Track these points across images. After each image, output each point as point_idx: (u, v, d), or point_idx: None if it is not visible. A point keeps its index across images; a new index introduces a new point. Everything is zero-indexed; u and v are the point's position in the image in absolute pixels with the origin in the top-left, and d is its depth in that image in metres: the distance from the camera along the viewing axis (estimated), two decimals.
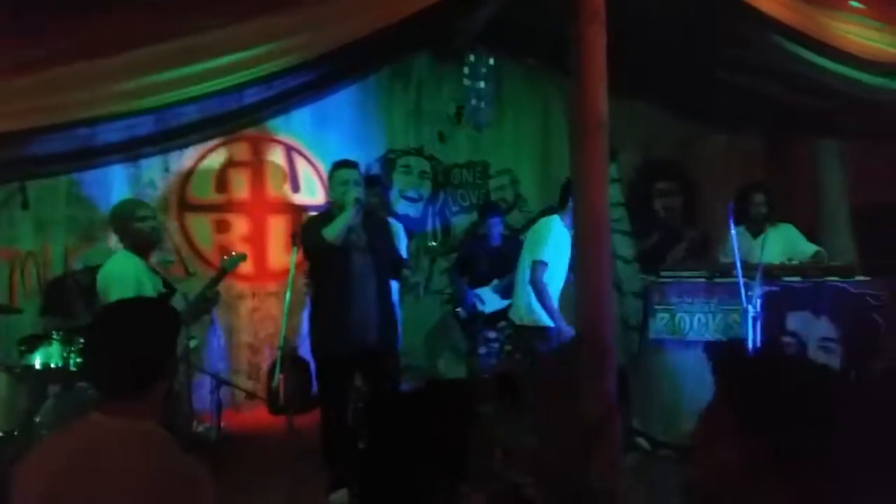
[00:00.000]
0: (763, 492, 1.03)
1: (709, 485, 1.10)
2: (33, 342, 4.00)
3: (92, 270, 4.64)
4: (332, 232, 3.71)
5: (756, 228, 4.76)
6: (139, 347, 1.67)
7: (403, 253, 4.88)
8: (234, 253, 4.08)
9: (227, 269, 3.80)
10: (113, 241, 5.49)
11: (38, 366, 3.91)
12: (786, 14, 3.46)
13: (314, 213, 5.01)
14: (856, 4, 3.53)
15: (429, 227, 6.46)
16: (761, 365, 1.17)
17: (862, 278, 4.40)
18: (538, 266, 4.20)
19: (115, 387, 1.65)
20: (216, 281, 3.76)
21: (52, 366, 3.91)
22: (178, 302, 3.57)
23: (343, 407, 3.91)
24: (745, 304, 3.79)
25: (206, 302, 3.73)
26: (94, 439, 1.59)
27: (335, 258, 3.76)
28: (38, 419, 3.74)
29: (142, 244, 3.52)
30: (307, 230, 3.91)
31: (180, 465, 1.60)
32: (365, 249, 3.86)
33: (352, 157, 4.12)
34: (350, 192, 3.77)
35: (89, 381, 3.36)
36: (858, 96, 4.27)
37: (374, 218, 4.15)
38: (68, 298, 5.02)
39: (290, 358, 4.43)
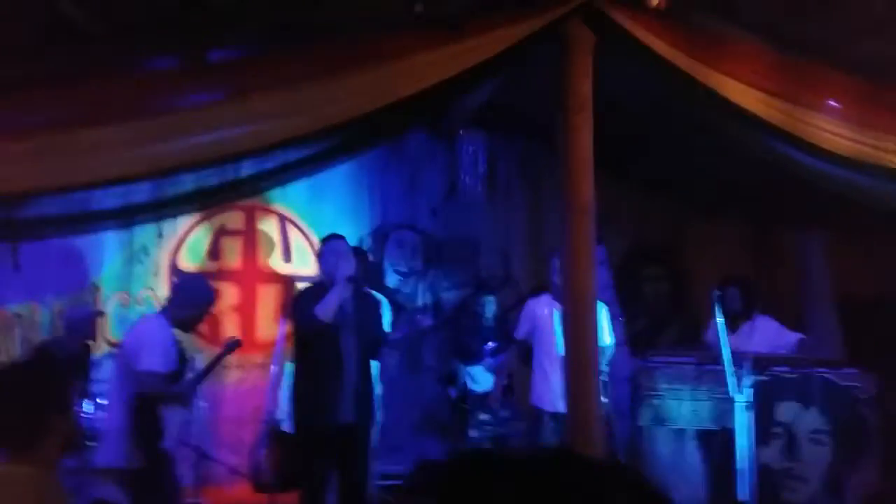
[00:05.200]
0: None
1: None
2: None
3: (77, 330, 4.60)
4: (324, 310, 3.71)
5: (733, 323, 4.76)
6: (24, 408, 1.78)
7: (387, 327, 4.85)
8: (231, 338, 4.16)
9: (224, 354, 3.89)
10: (109, 306, 5.55)
11: None
12: (764, 110, 3.58)
13: (304, 286, 5.01)
14: (833, 104, 3.66)
15: (419, 303, 6.45)
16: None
17: (849, 370, 4.39)
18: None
19: (3, 439, 1.76)
20: (219, 360, 3.83)
21: None
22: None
23: (320, 487, 3.81)
24: (733, 392, 3.77)
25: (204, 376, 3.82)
26: None
27: (323, 336, 3.75)
28: None
29: (185, 325, 3.64)
30: (299, 305, 3.93)
31: None
32: (350, 327, 3.85)
33: (345, 230, 4.20)
34: (341, 267, 3.79)
35: None
36: (834, 190, 4.38)
37: (361, 293, 4.16)
38: None
39: (275, 433, 4.34)
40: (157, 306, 4.78)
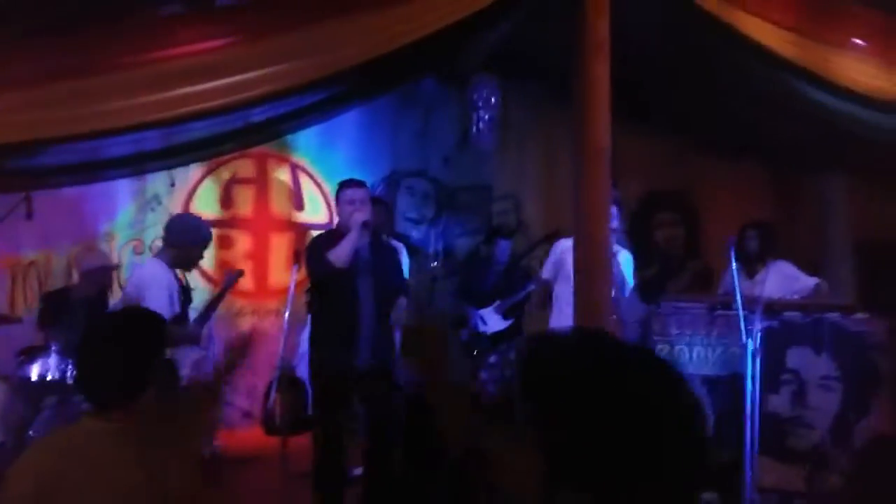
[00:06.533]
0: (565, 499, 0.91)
1: (509, 487, 1.01)
2: (32, 353, 4.00)
3: (93, 280, 4.67)
4: (338, 256, 3.69)
5: (750, 268, 4.74)
6: (125, 358, 1.70)
7: (406, 274, 4.87)
8: (233, 270, 4.17)
9: (227, 288, 3.89)
10: (117, 251, 5.62)
11: (34, 377, 3.91)
12: (786, 48, 3.49)
13: (319, 233, 5.01)
14: (858, 42, 3.56)
15: (431, 250, 6.46)
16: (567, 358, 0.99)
17: (861, 315, 4.37)
18: None
19: (103, 397, 1.68)
20: (220, 298, 3.85)
21: (49, 378, 3.91)
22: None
23: (336, 430, 3.88)
24: (744, 339, 3.77)
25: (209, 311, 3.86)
26: (83, 441, 1.63)
27: (338, 281, 3.74)
28: (31, 432, 3.73)
29: (184, 263, 3.67)
30: (312, 251, 3.89)
31: (170, 468, 1.64)
32: (368, 273, 3.83)
33: (357, 177, 4.13)
34: (357, 213, 3.75)
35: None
36: (858, 132, 4.29)
37: (379, 241, 4.13)
38: (68, 310, 5.03)
39: (287, 378, 4.41)
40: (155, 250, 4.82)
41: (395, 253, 4.29)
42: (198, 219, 4.19)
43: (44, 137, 3.71)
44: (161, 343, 1.79)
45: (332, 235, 3.90)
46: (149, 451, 1.65)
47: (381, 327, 3.88)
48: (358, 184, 3.96)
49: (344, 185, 3.96)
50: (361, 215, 3.74)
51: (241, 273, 4.11)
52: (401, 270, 4.26)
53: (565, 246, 4.56)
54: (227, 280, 3.98)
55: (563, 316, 4.47)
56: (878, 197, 5.67)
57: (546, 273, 4.70)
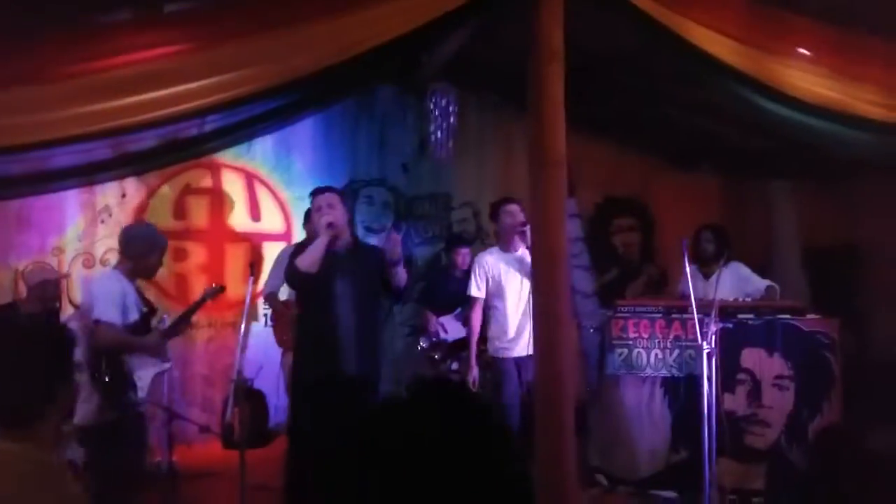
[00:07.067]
0: None
1: None
2: None
3: (40, 294, 4.54)
4: (303, 260, 3.64)
5: (706, 269, 4.83)
6: (22, 376, 1.61)
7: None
8: (213, 285, 4.11)
9: (206, 299, 3.83)
10: (66, 265, 5.45)
11: None
12: (735, 58, 3.57)
13: (296, 243, 4.94)
14: (804, 52, 3.66)
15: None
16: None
17: (813, 316, 4.49)
18: None
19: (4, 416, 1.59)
20: (195, 309, 3.79)
21: None
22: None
23: (311, 441, 3.76)
24: (700, 340, 3.83)
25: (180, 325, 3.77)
26: None
27: (313, 287, 3.69)
28: None
29: (143, 272, 3.60)
30: (287, 261, 3.86)
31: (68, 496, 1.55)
32: (346, 276, 3.73)
33: (313, 186, 4.09)
34: (323, 217, 3.69)
35: None
36: (803, 139, 4.41)
37: (359, 243, 4.05)
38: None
39: (244, 391, 4.33)
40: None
41: (376, 254, 4.03)
42: (151, 227, 4.12)
43: None
44: (62, 360, 1.70)
45: (306, 244, 3.86)
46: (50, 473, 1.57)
47: (364, 332, 3.77)
48: (326, 189, 3.95)
49: (314, 193, 3.96)
50: (327, 217, 3.68)
51: (221, 289, 4.04)
52: (383, 272, 3.94)
53: (490, 259, 4.55)
54: (205, 293, 3.90)
55: (502, 329, 4.45)
56: (822, 203, 5.84)
57: (477, 290, 4.52)
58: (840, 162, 5.04)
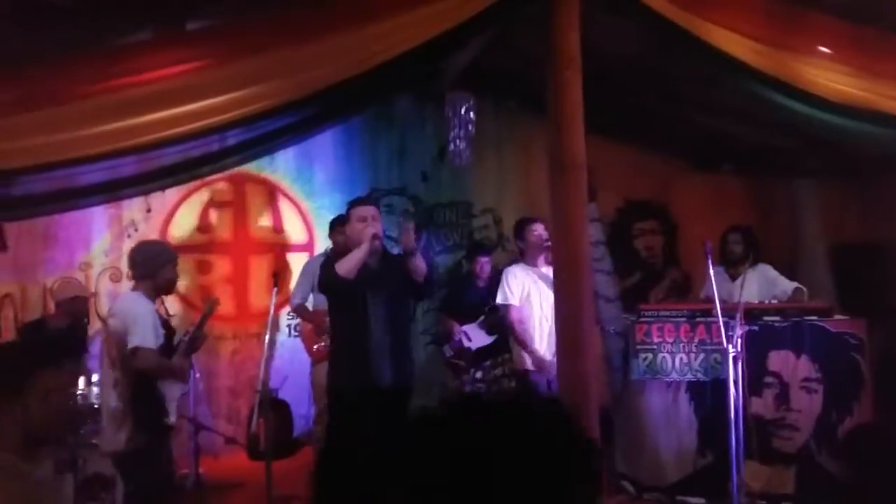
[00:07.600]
0: None
1: None
2: None
3: (69, 310, 4.61)
4: (344, 266, 3.69)
5: (733, 270, 4.79)
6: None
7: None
8: (208, 298, 4.13)
9: (207, 316, 3.83)
10: (93, 280, 5.55)
11: None
12: (754, 58, 3.54)
13: (325, 252, 4.99)
14: (824, 50, 3.62)
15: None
16: None
17: (840, 317, 4.42)
18: None
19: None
20: (201, 325, 3.79)
21: None
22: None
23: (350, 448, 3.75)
24: (725, 344, 3.79)
25: (195, 342, 3.75)
26: None
27: (348, 295, 3.74)
28: None
29: (163, 288, 3.58)
30: (324, 267, 3.93)
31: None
32: (379, 286, 3.79)
33: (335, 197, 4.13)
34: (368, 228, 3.77)
35: None
36: (826, 137, 4.36)
37: (388, 254, 4.08)
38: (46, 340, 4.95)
39: (269, 401, 4.36)
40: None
41: (402, 263, 4.00)
42: (156, 242, 4.14)
43: (15, 167, 3.66)
44: (15, 384, 1.71)
45: (344, 252, 3.91)
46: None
47: (396, 341, 3.82)
48: (369, 201, 4.06)
49: (355, 204, 4.01)
50: (373, 229, 3.77)
51: (216, 301, 4.06)
52: (412, 282, 3.94)
53: (519, 272, 4.62)
54: (204, 311, 3.91)
55: (532, 338, 4.50)
56: (847, 201, 5.76)
57: (511, 296, 4.57)
58: (864, 158, 4.97)
